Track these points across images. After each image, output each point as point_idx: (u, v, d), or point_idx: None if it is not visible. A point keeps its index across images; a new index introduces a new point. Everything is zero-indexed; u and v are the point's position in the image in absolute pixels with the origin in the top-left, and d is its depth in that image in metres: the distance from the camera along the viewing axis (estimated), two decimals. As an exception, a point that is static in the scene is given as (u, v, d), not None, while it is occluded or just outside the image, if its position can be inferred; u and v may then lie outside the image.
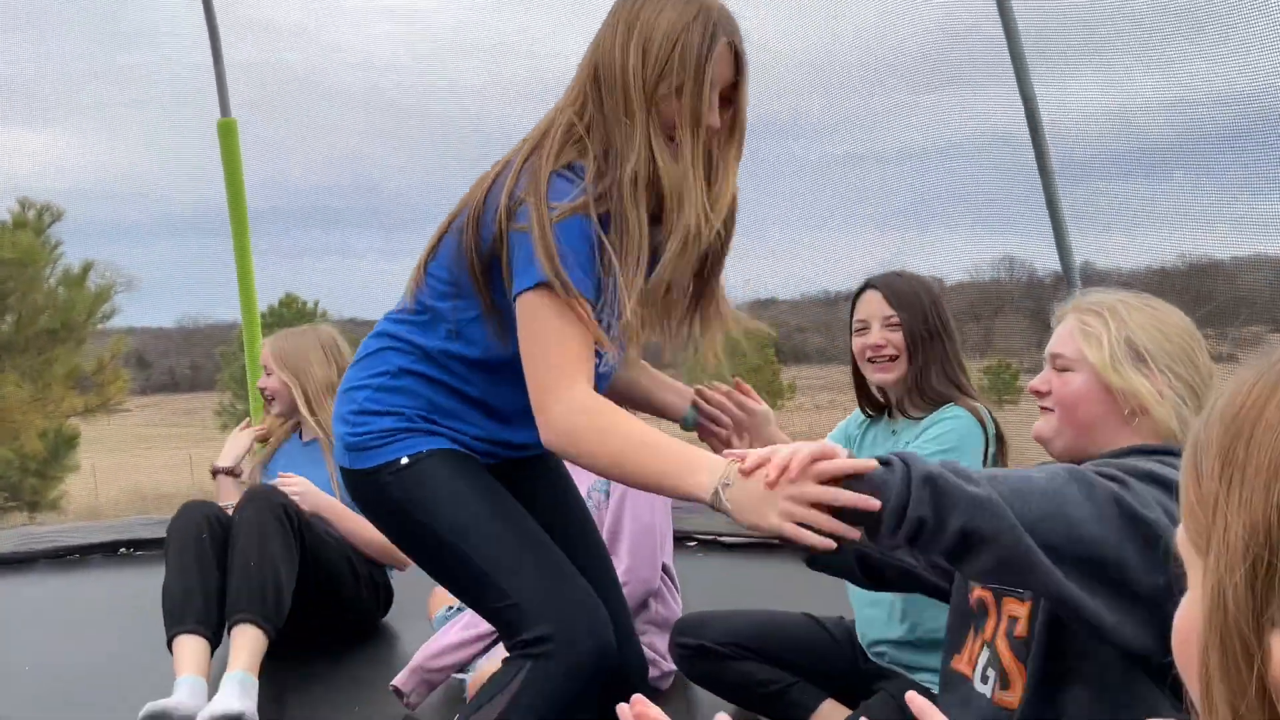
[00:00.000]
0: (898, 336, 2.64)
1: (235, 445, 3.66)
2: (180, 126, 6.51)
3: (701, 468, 1.73)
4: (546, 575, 1.99)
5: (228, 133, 5.73)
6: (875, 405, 2.79)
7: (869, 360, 2.67)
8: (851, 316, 2.75)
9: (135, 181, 7.59)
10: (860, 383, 2.77)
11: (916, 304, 2.67)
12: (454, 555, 2.00)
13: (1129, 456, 1.73)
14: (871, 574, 2.09)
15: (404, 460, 2.02)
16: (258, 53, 6.51)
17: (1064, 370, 1.84)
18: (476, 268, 1.97)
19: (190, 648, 2.90)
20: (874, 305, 2.68)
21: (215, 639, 2.98)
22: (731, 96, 2.00)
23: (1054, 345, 1.86)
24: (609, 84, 1.94)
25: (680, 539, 4.06)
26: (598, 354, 1.97)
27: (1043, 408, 1.87)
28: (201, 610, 2.97)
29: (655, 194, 1.96)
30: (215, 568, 3.06)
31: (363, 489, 2.08)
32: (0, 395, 15.69)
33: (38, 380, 15.90)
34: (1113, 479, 1.62)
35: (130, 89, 6.81)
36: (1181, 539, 0.76)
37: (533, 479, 2.23)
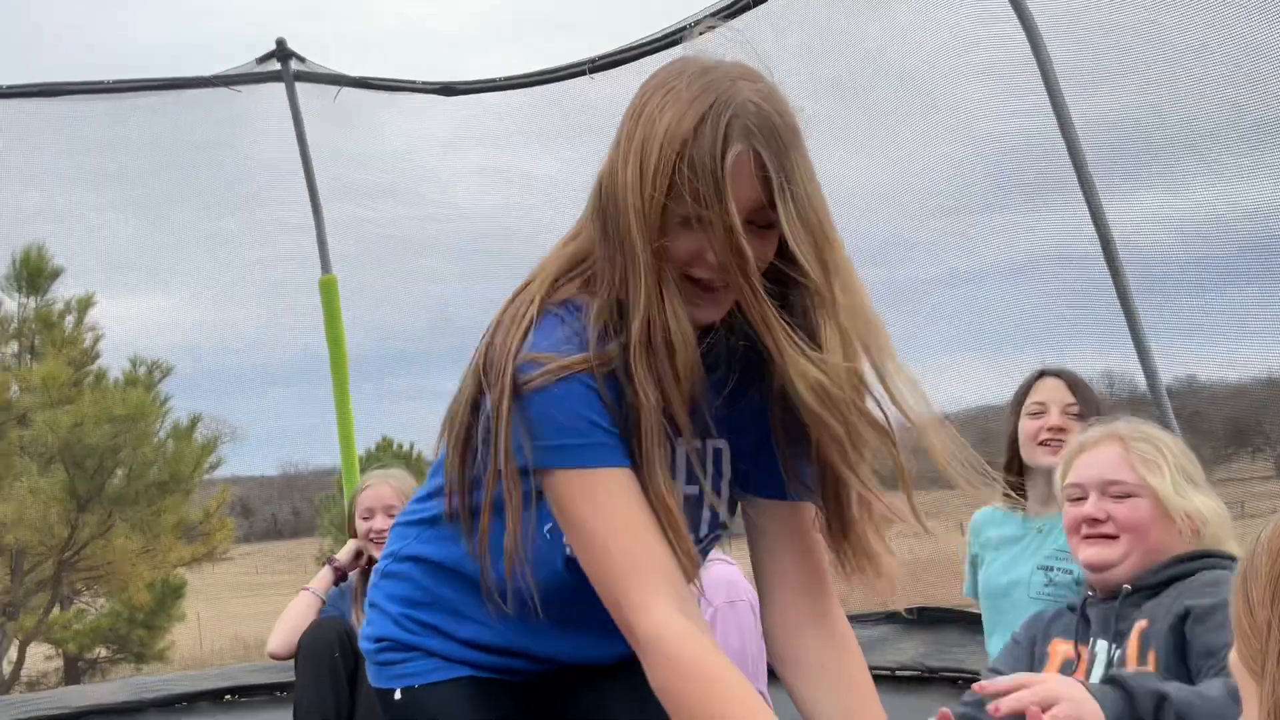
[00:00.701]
0: (1077, 426, 2.68)
1: (350, 547, 3.69)
2: (283, 283, 6.85)
3: None
4: None
5: (329, 289, 6.02)
6: (1006, 496, 2.84)
7: (1041, 443, 2.73)
8: (1023, 400, 2.82)
9: (240, 336, 7.94)
10: (1008, 469, 2.81)
11: (1094, 398, 2.80)
12: None
13: (1174, 567, 1.78)
14: None
15: (397, 695, 1.62)
16: (355, 211, 6.85)
17: (1125, 497, 1.91)
18: (449, 441, 1.53)
19: None
20: (1055, 391, 2.79)
21: None
22: (769, 219, 1.39)
23: (1106, 473, 1.94)
24: (611, 207, 1.42)
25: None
26: None
27: (1101, 535, 1.92)
28: None
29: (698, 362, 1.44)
30: (345, 684, 3.20)
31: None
32: (111, 548, 16.12)
33: (147, 532, 16.33)
34: None
35: (237, 250, 7.19)
36: (1235, 662, 0.81)
37: (597, 704, 1.61)
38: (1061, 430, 2.73)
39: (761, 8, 5.10)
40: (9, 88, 6.15)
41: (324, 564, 3.68)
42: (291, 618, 3.45)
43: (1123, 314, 4.19)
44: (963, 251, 5.70)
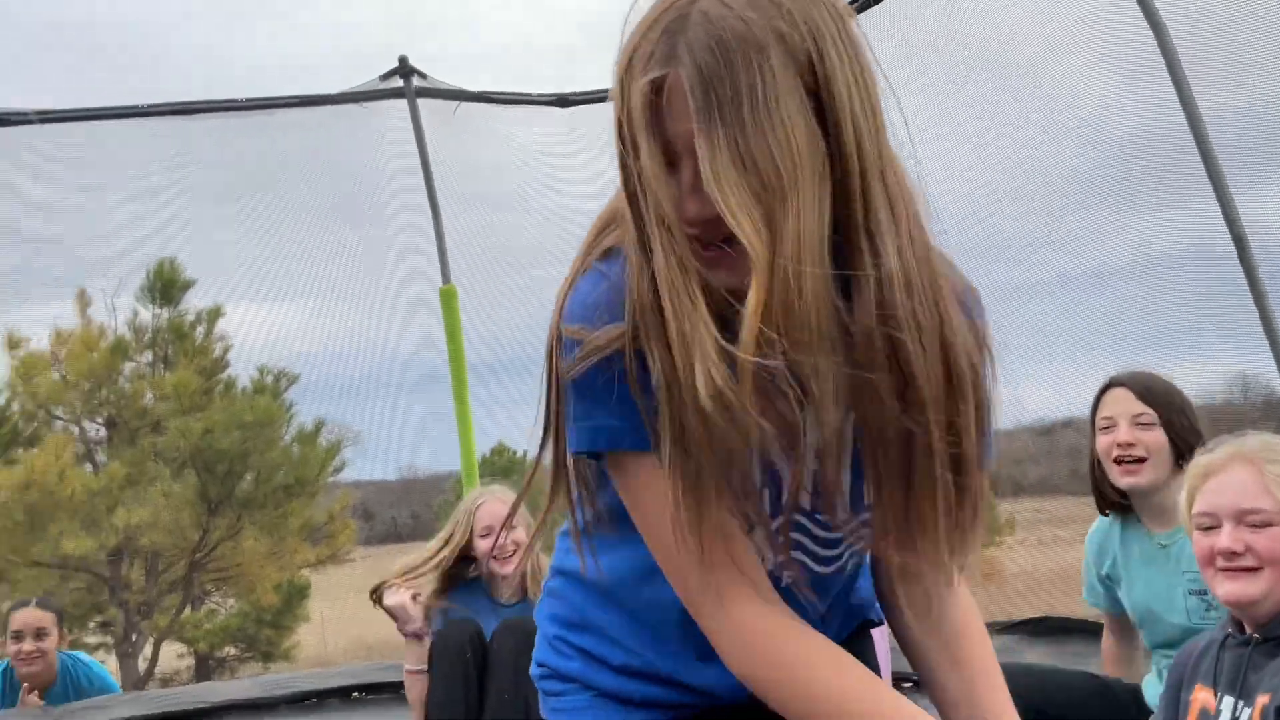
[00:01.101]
0: (1149, 436, 2.57)
1: (411, 609, 3.59)
2: (405, 293, 7.02)
3: None
4: None
5: (449, 299, 6.16)
6: (1115, 507, 2.72)
7: (1116, 461, 2.60)
8: (1094, 415, 2.69)
9: (363, 345, 8.16)
10: (1098, 485, 2.70)
11: (1171, 401, 2.60)
12: None
13: None
14: None
15: None
16: (474, 221, 7.00)
17: (1264, 526, 1.79)
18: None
19: None
20: (1122, 402, 2.61)
21: None
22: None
23: (1241, 500, 1.81)
24: None
25: (897, 680, 3.97)
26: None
27: (1240, 568, 1.81)
28: None
29: None
30: (476, 682, 3.31)
31: None
32: (240, 550, 16.69)
33: (274, 534, 16.86)
34: None
35: (360, 261, 7.40)
36: None
37: None
38: (1131, 445, 2.57)
39: (880, 5, 5.06)
40: (146, 107, 6.43)
41: (407, 637, 3.60)
42: (420, 703, 3.47)
43: (1257, 315, 4.05)
44: (1087, 250, 5.57)
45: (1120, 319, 5.49)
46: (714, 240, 1.14)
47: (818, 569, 1.36)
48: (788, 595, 1.32)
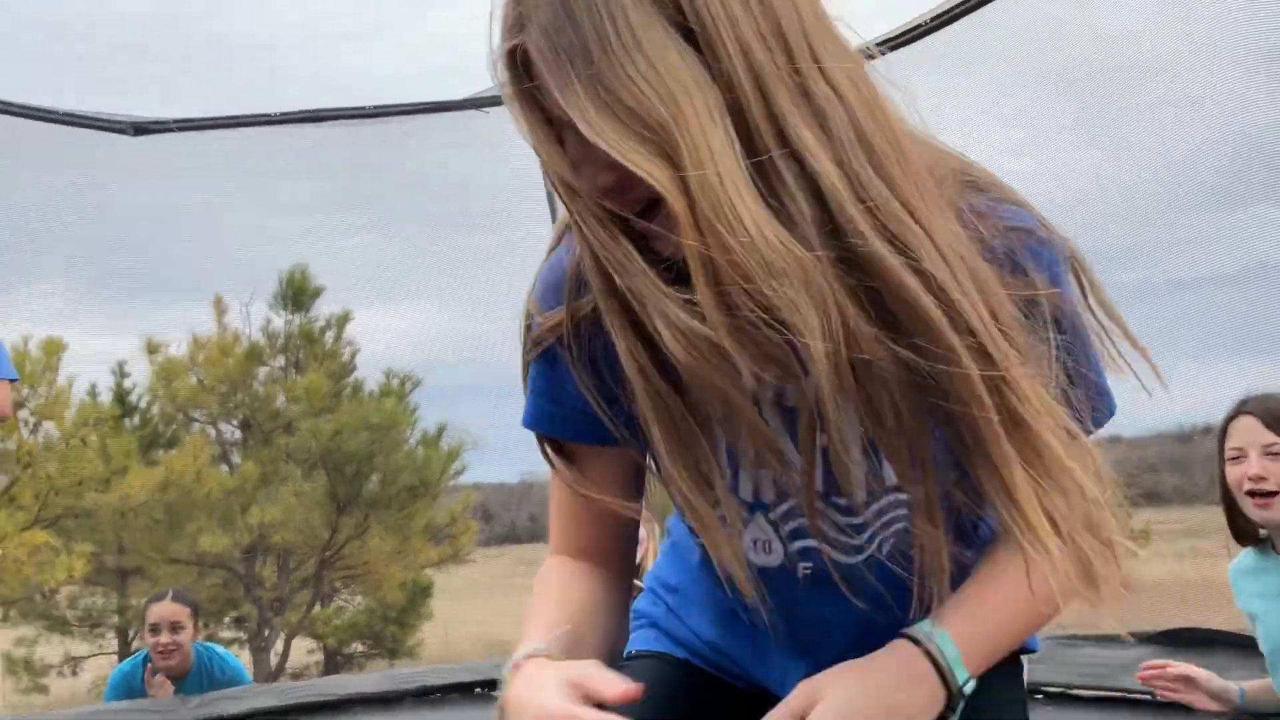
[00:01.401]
0: None
1: None
2: (523, 297, 7.11)
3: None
4: None
5: (566, 301, 6.22)
6: (1251, 539, 2.62)
7: (1248, 494, 2.50)
8: (1223, 444, 2.58)
9: (483, 349, 8.29)
10: (1231, 514, 2.61)
11: None
12: None
13: None
14: None
15: (628, 653, 1.42)
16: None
17: None
18: None
19: None
20: (1251, 431, 2.51)
21: None
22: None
23: None
24: None
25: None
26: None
27: None
28: None
29: None
30: None
31: None
32: (366, 549, 17.10)
33: (399, 534, 17.24)
34: None
35: (480, 267, 7.52)
36: None
37: None
38: (1262, 479, 2.46)
39: (999, 2, 4.96)
40: (279, 115, 6.63)
41: None
42: None
43: None
44: (1218, 250, 5.36)
45: (1266, 321, 5.27)
46: (632, 210, 1.05)
47: (843, 559, 1.21)
48: (821, 602, 1.23)
